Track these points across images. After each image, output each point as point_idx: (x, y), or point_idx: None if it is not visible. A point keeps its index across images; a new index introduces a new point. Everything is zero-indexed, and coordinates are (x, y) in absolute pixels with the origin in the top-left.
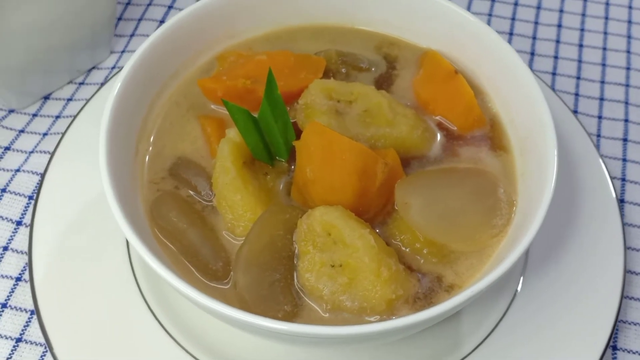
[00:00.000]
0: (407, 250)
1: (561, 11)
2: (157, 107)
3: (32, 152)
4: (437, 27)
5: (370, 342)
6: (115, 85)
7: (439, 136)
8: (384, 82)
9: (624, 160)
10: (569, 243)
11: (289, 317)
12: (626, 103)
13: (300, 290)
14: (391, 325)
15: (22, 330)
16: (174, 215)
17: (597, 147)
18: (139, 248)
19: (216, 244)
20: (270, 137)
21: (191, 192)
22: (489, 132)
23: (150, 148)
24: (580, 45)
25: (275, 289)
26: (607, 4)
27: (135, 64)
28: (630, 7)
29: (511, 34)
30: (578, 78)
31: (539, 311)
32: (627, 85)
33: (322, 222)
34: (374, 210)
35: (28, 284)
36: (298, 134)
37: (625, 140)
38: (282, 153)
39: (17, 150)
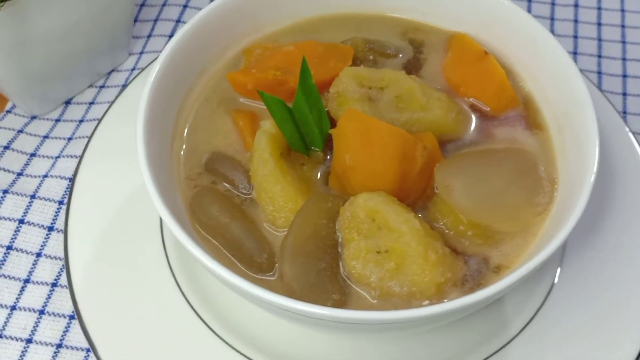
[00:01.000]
0: (451, 233)
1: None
2: (187, 104)
3: (58, 157)
4: (462, 10)
5: (422, 326)
6: (147, 86)
7: (473, 118)
8: (412, 68)
9: None
10: (606, 225)
11: (338, 306)
12: None
13: (347, 279)
14: (447, 307)
15: (62, 335)
16: (215, 210)
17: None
18: (186, 243)
19: (259, 236)
20: (305, 127)
21: (228, 186)
22: (522, 112)
23: (184, 145)
24: (599, 24)
25: (323, 278)
26: None
27: (164, 63)
28: None
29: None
30: (599, 56)
31: (581, 287)
32: None
33: (365, 208)
34: (415, 195)
35: (64, 289)
36: (331, 123)
37: None
38: (317, 143)
39: (43, 156)
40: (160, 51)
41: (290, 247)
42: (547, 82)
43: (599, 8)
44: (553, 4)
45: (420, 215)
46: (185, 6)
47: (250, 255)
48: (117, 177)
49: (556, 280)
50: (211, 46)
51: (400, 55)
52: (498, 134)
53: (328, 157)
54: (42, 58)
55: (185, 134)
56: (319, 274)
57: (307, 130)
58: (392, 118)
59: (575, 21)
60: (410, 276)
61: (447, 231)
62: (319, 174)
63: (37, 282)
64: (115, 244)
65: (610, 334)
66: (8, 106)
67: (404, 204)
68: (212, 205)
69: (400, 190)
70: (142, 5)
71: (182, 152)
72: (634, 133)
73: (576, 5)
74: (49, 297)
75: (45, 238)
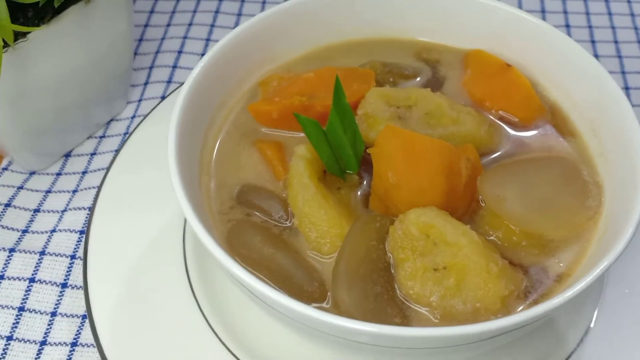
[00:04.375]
0: (505, 245)
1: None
2: (210, 140)
3: (64, 210)
4: (473, 25)
5: (489, 344)
6: (172, 124)
7: (505, 129)
8: (432, 87)
9: None
10: None
11: None
12: None
13: (405, 301)
14: (520, 317)
15: None
16: (257, 242)
17: None
18: (239, 272)
19: (306, 264)
20: (339, 149)
21: (264, 217)
22: (552, 120)
23: (212, 180)
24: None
25: (381, 302)
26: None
27: (186, 99)
28: None
29: None
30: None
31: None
32: None
33: (418, 224)
34: (462, 209)
35: (87, 349)
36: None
37: None
38: (352, 165)
39: (48, 211)
40: (160, 97)
41: (344, 273)
42: (574, 87)
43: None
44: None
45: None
46: (179, 52)
47: (300, 285)
48: (134, 225)
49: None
50: (227, 79)
51: (419, 77)
52: (531, 143)
53: (364, 180)
54: (39, 111)
55: (211, 169)
56: (377, 298)
57: (341, 153)
58: (425, 134)
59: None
60: (473, 291)
61: (500, 243)
62: (358, 196)
63: (54, 343)
64: (140, 293)
65: None
66: (4, 163)
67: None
68: (253, 237)
69: (447, 205)
70: (136, 54)
71: (211, 188)
72: None
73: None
74: (69, 358)
75: (59, 296)
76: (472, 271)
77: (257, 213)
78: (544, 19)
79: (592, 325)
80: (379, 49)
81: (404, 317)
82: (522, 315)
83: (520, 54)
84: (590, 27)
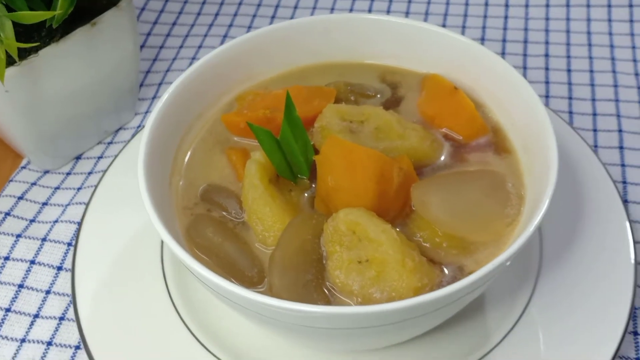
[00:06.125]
0: (428, 245)
1: (546, 43)
2: (185, 145)
3: (68, 204)
4: (434, 53)
5: (403, 327)
6: (145, 129)
7: (446, 145)
8: (390, 106)
9: (623, 165)
10: (580, 241)
11: None
12: (618, 116)
13: (332, 289)
14: (418, 300)
15: None
16: (210, 232)
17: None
18: (184, 257)
19: (250, 253)
20: (291, 156)
21: (223, 213)
22: (492, 138)
23: (182, 180)
24: (569, 70)
25: (309, 288)
26: (588, 32)
27: (162, 110)
28: (610, 34)
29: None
30: (570, 98)
31: (557, 302)
32: (617, 100)
33: (346, 221)
34: (393, 212)
35: (71, 322)
36: (316, 154)
37: (621, 148)
38: (303, 170)
39: (55, 205)
40: None
41: (278, 260)
42: (514, 110)
43: (569, 57)
44: (525, 55)
45: (399, 229)
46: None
47: (242, 270)
48: (121, 220)
49: (532, 296)
50: (206, 94)
51: (379, 95)
52: (470, 158)
53: (313, 184)
54: (51, 120)
55: (183, 170)
56: (306, 284)
57: (293, 159)
58: (372, 146)
59: (547, 69)
60: (390, 282)
61: (424, 244)
62: (306, 198)
63: (45, 316)
64: (118, 279)
65: (580, 350)
66: (23, 162)
67: (384, 220)
68: (206, 228)
69: (379, 208)
70: (148, 72)
71: (180, 187)
72: (604, 164)
73: (547, 55)
74: (56, 329)
75: (55, 277)
76: (390, 264)
77: (216, 209)
78: (504, 46)
79: (518, 320)
80: (349, 71)
81: (327, 302)
82: (410, 301)
83: (474, 78)
84: (547, 55)
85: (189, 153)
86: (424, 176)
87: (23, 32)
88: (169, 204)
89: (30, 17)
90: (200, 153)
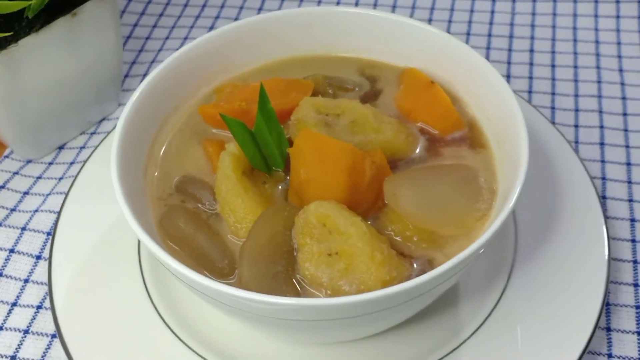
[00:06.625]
0: (399, 239)
1: (532, 38)
2: (162, 135)
3: (49, 194)
4: (413, 47)
5: (375, 319)
6: (120, 120)
7: (421, 139)
8: (368, 99)
9: (603, 161)
10: (555, 236)
11: None
12: (600, 112)
13: (301, 281)
14: (387, 292)
15: (44, 352)
16: (182, 222)
17: (576, 151)
18: (153, 248)
19: (222, 245)
20: (266, 149)
21: (197, 204)
22: (467, 133)
23: (158, 170)
24: (553, 66)
25: (279, 280)
26: (574, 28)
27: (138, 100)
28: (596, 30)
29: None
30: (553, 94)
31: (529, 298)
32: (600, 96)
33: (317, 214)
34: (366, 205)
35: (49, 312)
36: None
37: (602, 144)
38: (278, 163)
39: (36, 194)
40: None
41: (248, 252)
42: (489, 106)
43: (553, 52)
44: (510, 50)
45: (370, 222)
46: None
47: (212, 261)
48: (99, 210)
49: (505, 291)
50: (185, 85)
51: (357, 89)
52: (445, 153)
53: (288, 177)
54: (34, 109)
55: (158, 161)
56: (276, 276)
57: (268, 152)
58: (346, 139)
59: (531, 64)
60: (359, 275)
61: (395, 237)
62: (280, 191)
63: (23, 305)
64: (95, 270)
65: (553, 343)
66: (6, 152)
67: (356, 213)
68: (179, 218)
69: (351, 200)
70: (134, 63)
71: (155, 177)
72: (582, 160)
73: (532, 51)
74: (34, 318)
75: (34, 265)
76: (359, 257)
77: (191, 200)
78: (489, 41)
79: (489, 315)
80: (329, 64)
81: (296, 294)
82: (376, 293)
83: (452, 73)
84: (532, 50)
85: (165, 144)
86: (399, 170)
87: (4, 22)
88: (143, 194)
89: (6, 6)
90: (177, 144)
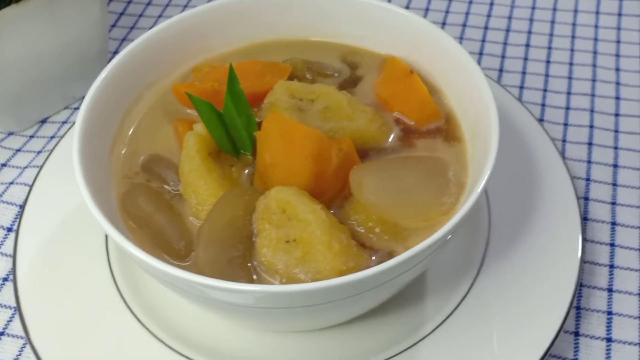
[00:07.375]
0: (361, 229)
1: (529, 32)
2: (133, 113)
3: (26, 167)
4: (395, 35)
5: (323, 306)
6: (89, 93)
7: (396, 129)
8: (347, 86)
9: (589, 162)
10: (528, 236)
11: None
12: (591, 111)
13: (257, 267)
14: (336, 282)
15: (6, 325)
16: (142, 202)
17: (563, 150)
18: (107, 228)
19: (181, 226)
20: (234, 131)
21: (162, 184)
22: (443, 125)
23: (125, 149)
24: (548, 62)
25: (234, 265)
26: (574, 24)
27: (109, 75)
28: (596, 27)
29: (481, 53)
30: (545, 90)
31: (496, 296)
32: (593, 95)
33: (277, 199)
34: (331, 193)
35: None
36: None
37: (590, 144)
38: (246, 146)
39: (13, 167)
40: None
41: (205, 234)
42: (466, 98)
43: (550, 48)
44: (505, 43)
45: (334, 212)
46: None
47: (170, 242)
48: (71, 186)
49: (471, 288)
50: (161, 62)
51: (337, 75)
52: (419, 144)
53: (256, 161)
54: (15, 82)
55: (127, 139)
56: (231, 261)
57: (237, 135)
58: (317, 126)
59: (526, 59)
60: (315, 264)
61: (357, 228)
62: (246, 175)
63: None
64: (60, 244)
65: (514, 344)
66: None
67: (320, 201)
68: (138, 197)
69: (315, 187)
70: (124, 39)
71: (122, 155)
72: (564, 159)
73: (528, 45)
74: None
75: (4, 238)
76: (316, 246)
77: (156, 179)
78: (485, 34)
79: (453, 312)
80: (309, 49)
81: (250, 281)
82: (322, 283)
83: (432, 62)
84: (527, 45)
85: (136, 122)
86: (369, 159)
87: None
88: (108, 171)
89: None
90: (147, 122)
